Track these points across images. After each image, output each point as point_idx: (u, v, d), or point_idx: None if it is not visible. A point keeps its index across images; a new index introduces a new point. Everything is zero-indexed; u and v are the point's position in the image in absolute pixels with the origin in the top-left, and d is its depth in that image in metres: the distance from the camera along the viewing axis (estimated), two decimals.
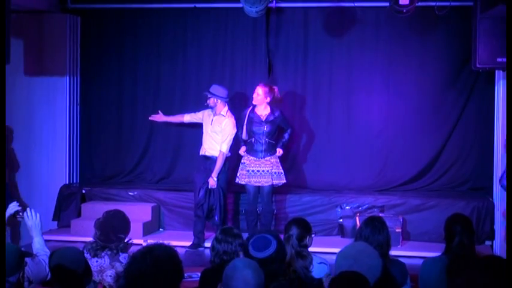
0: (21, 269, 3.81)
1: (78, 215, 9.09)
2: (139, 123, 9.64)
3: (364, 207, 8.65)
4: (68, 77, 9.47)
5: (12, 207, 4.76)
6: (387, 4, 8.00)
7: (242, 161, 8.42)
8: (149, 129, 9.64)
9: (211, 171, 8.26)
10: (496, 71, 8.26)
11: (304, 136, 9.43)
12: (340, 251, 3.69)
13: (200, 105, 8.62)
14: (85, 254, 4.71)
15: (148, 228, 8.76)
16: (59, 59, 9.43)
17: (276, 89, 8.51)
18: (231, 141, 8.36)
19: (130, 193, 9.22)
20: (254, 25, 9.32)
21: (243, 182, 8.39)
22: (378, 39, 9.26)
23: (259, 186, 8.35)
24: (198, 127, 8.71)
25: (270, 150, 8.35)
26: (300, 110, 9.40)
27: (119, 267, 4.91)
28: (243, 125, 8.45)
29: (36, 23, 9.39)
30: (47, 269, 4.15)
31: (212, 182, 8.24)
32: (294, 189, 9.15)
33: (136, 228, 7.77)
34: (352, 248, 3.74)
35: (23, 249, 4.03)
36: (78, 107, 9.68)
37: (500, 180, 7.76)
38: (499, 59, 7.56)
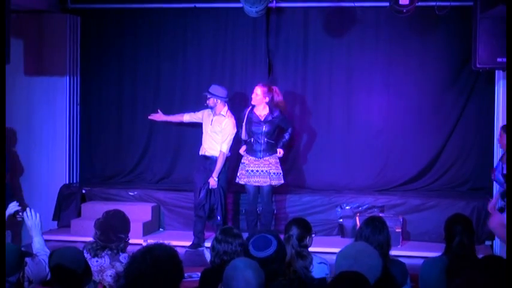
0: (21, 269, 3.81)
1: (78, 215, 9.09)
2: (139, 123, 9.64)
3: (364, 207, 8.65)
4: (68, 77, 9.47)
5: (12, 207, 4.75)
6: (387, 4, 8.00)
7: (242, 160, 8.42)
8: (149, 129, 9.64)
9: (212, 171, 8.26)
10: (496, 71, 8.27)
11: (304, 136, 9.43)
12: (340, 251, 3.69)
13: (200, 105, 8.62)
14: (85, 254, 4.70)
15: (148, 228, 8.76)
16: (59, 59, 9.43)
17: (275, 88, 8.49)
18: (231, 141, 8.36)
19: (130, 193, 9.22)
20: (254, 25, 9.32)
21: (242, 182, 8.39)
22: (378, 39, 9.26)
23: (259, 186, 8.35)
24: (198, 127, 8.71)
25: (269, 150, 8.35)
26: (300, 110, 9.40)
27: (119, 267, 4.91)
28: (242, 125, 8.46)
29: (36, 23, 9.39)
30: (47, 268, 4.15)
31: (213, 182, 8.24)
32: (294, 189, 9.16)
33: (136, 228, 7.77)
34: (352, 248, 3.74)
35: (23, 249, 4.03)
36: (78, 107, 9.69)
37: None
38: (499, 59, 7.56)
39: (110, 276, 4.95)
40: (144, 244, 3.38)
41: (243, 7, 8.01)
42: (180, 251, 6.20)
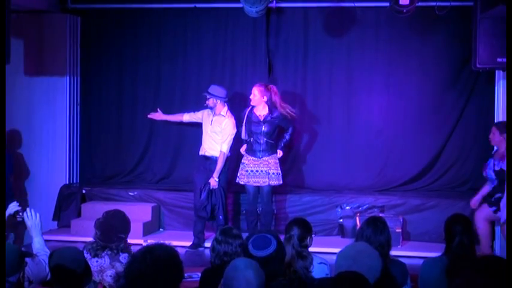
0: (22, 269, 3.81)
1: (78, 215, 9.09)
2: (139, 123, 9.64)
3: (364, 207, 8.65)
4: (68, 77, 9.47)
5: (12, 207, 4.75)
6: (387, 4, 8.00)
7: (242, 160, 8.42)
8: (149, 129, 9.64)
9: (212, 172, 8.27)
10: (496, 71, 8.26)
11: (304, 136, 9.43)
12: (340, 251, 3.70)
13: (200, 105, 8.62)
14: (85, 254, 4.71)
15: (149, 228, 8.76)
16: (59, 59, 9.43)
17: (272, 87, 8.46)
18: (231, 142, 8.36)
19: (130, 193, 9.22)
20: (254, 25, 9.32)
21: (242, 182, 8.39)
22: (378, 39, 9.25)
23: (258, 187, 8.35)
24: (198, 127, 8.72)
25: (269, 150, 8.34)
26: (300, 110, 9.38)
27: (119, 267, 4.91)
28: (242, 125, 8.45)
29: (37, 23, 9.39)
30: (47, 269, 4.15)
31: (214, 182, 8.24)
32: (294, 189, 9.16)
33: (136, 228, 7.77)
34: (352, 248, 3.75)
35: (23, 249, 4.03)
36: (78, 107, 9.69)
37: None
38: (499, 59, 7.55)
39: (110, 276, 4.96)
40: (144, 244, 3.38)
41: (243, 7, 8.01)
42: (180, 251, 6.20)
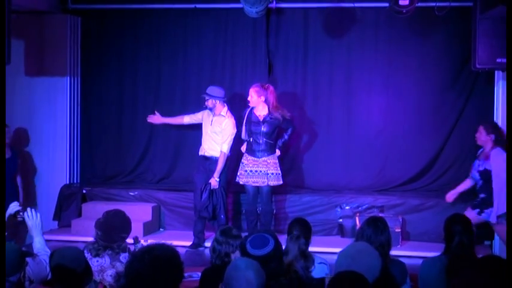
0: (22, 269, 3.82)
1: (79, 215, 9.10)
2: (139, 123, 9.64)
3: (364, 207, 8.66)
4: (68, 78, 9.48)
5: (13, 207, 4.76)
6: (387, 4, 8.02)
7: (242, 160, 8.43)
8: (149, 129, 9.64)
9: (212, 172, 8.28)
10: (496, 72, 8.28)
11: (304, 136, 9.43)
12: (341, 251, 3.71)
13: (200, 105, 8.63)
14: (85, 254, 4.72)
15: (149, 228, 8.77)
16: (60, 59, 9.43)
17: (268, 86, 8.43)
18: (231, 142, 8.37)
19: (130, 193, 9.23)
20: (254, 26, 9.33)
21: (242, 182, 8.41)
22: (378, 39, 9.26)
23: (258, 187, 8.36)
24: (198, 127, 8.72)
25: (268, 151, 8.34)
26: (300, 110, 9.40)
27: (120, 267, 4.92)
28: (242, 125, 8.46)
29: (37, 24, 9.40)
30: (48, 268, 4.17)
31: (214, 182, 8.26)
32: (293, 189, 9.17)
33: (136, 228, 7.74)
34: (352, 248, 3.76)
35: (23, 248, 4.04)
36: (79, 107, 9.69)
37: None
38: (498, 60, 7.57)
39: (111, 276, 4.97)
40: (145, 244, 3.39)
41: (243, 8, 8.02)
42: (181, 250, 6.21)
